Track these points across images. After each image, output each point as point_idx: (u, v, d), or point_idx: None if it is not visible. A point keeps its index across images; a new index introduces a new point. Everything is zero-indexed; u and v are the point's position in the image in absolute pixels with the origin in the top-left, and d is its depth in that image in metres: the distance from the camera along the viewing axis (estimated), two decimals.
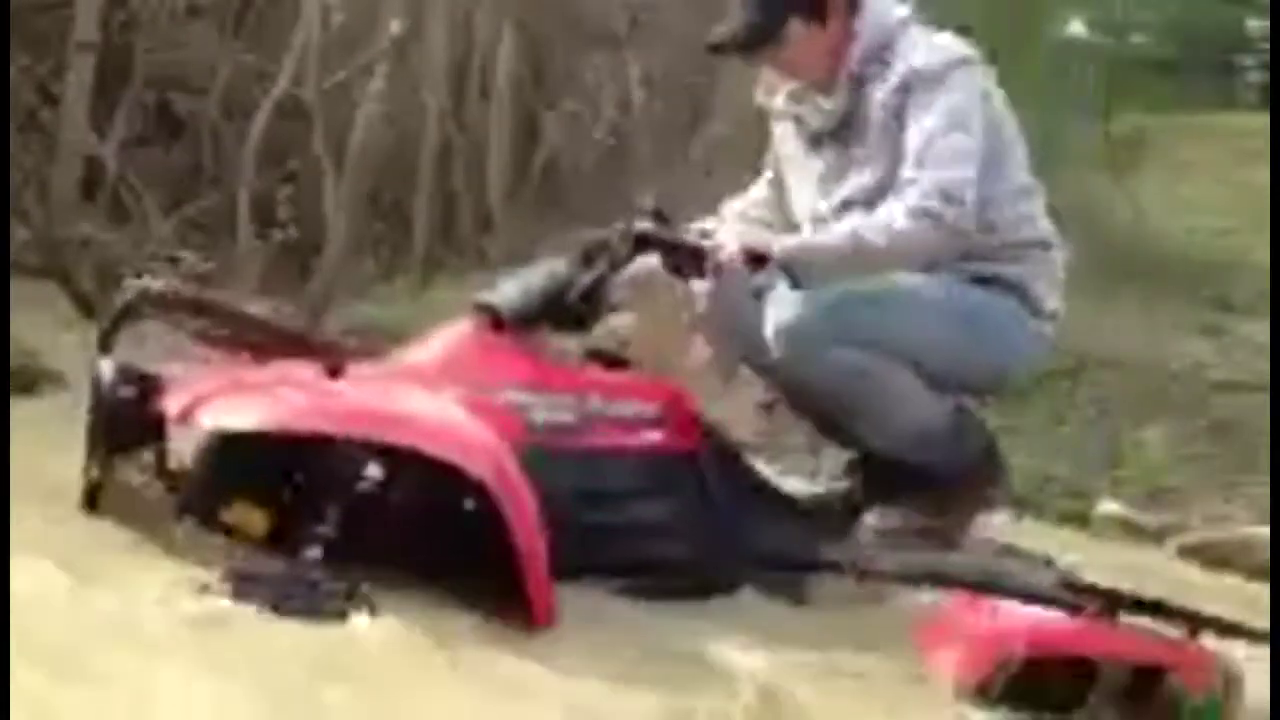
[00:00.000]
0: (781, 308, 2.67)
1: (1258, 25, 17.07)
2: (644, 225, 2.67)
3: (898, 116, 2.65)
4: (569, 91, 7.12)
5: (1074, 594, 2.66)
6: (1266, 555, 4.00)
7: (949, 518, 2.77)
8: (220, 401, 2.32)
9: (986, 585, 2.64)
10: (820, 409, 2.83)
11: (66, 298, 4.54)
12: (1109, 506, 4.55)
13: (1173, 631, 2.68)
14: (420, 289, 5.96)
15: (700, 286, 2.85)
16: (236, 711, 1.79)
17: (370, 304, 5.45)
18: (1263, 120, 10.97)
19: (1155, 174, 10.77)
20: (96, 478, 2.40)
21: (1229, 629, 2.70)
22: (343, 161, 5.68)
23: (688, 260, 2.69)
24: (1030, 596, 2.64)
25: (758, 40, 2.76)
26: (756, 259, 2.66)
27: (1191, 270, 9.26)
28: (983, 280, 2.75)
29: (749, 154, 6.99)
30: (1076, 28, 12.74)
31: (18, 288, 4.21)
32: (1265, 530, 4.17)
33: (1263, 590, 3.82)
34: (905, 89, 2.65)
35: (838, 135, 2.75)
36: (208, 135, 6.11)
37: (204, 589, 2.12)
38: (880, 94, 2.68)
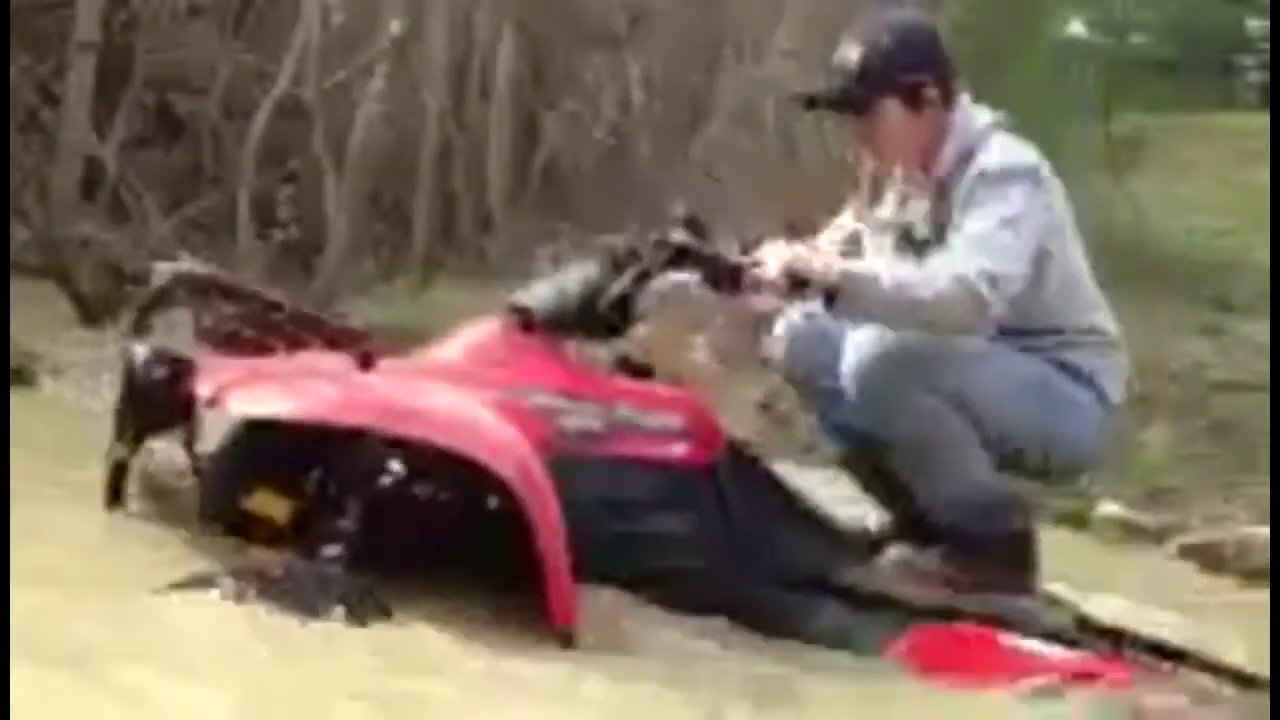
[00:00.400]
0: (863, 347, 2.66)
1: (1258, 25, 17.08)
2: (681, 237, 2.65)
3: (962, 209, 2.67)
4: (569, 91, 7.13)
5: (1085, 633, 2.67)
6: (1266, 556, 4.00)
7: (974, 579, 2.76)
8: (251, 389, 2.32)
9: (1001, 621, 2.64)
10: (878, 456, 2.79)
11: (66, 298, 4.54)
12: (1109, 507, 4.55)
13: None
14: (420, 289, 5.96)
15: (777, 329, 2.83)
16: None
17: (371, 304, 5.45)
18: (1263, 120, 10.97)
19: (1155, 174, 10.77)
20: (123, 457, 2.41)
21: (1240, 679, 2.69)
22: (343, 161, 5.68)
23: (725, 276, 2.66)
24: (1043, 634, 2.64)
25: (848, 106, 2.77)
26: (799, 283, 2.64)
27: (1191, 270, 9.25)
28: (1059, 365, 2.74)
29: (749, 154, 7.01)
30: (1076, 28, 12.75)
31: (18, 288, 4.21)
32: (1265, 530, 4.16)
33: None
34: (973, 186, 2.66)
35: (926, 242, 2.76)
36: (208, 135, 6.12)
37: (219, 589, 2.12)
38: (955, 195, 2.70)
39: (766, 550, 2.61)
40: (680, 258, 2.65)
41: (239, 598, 2.09)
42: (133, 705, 1.73)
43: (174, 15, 6.11)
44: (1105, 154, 10.06)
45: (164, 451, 2.50)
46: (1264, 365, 5.80)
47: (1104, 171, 10.01)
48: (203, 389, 2.34)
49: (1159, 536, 4.40)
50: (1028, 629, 2.63)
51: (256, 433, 2.34)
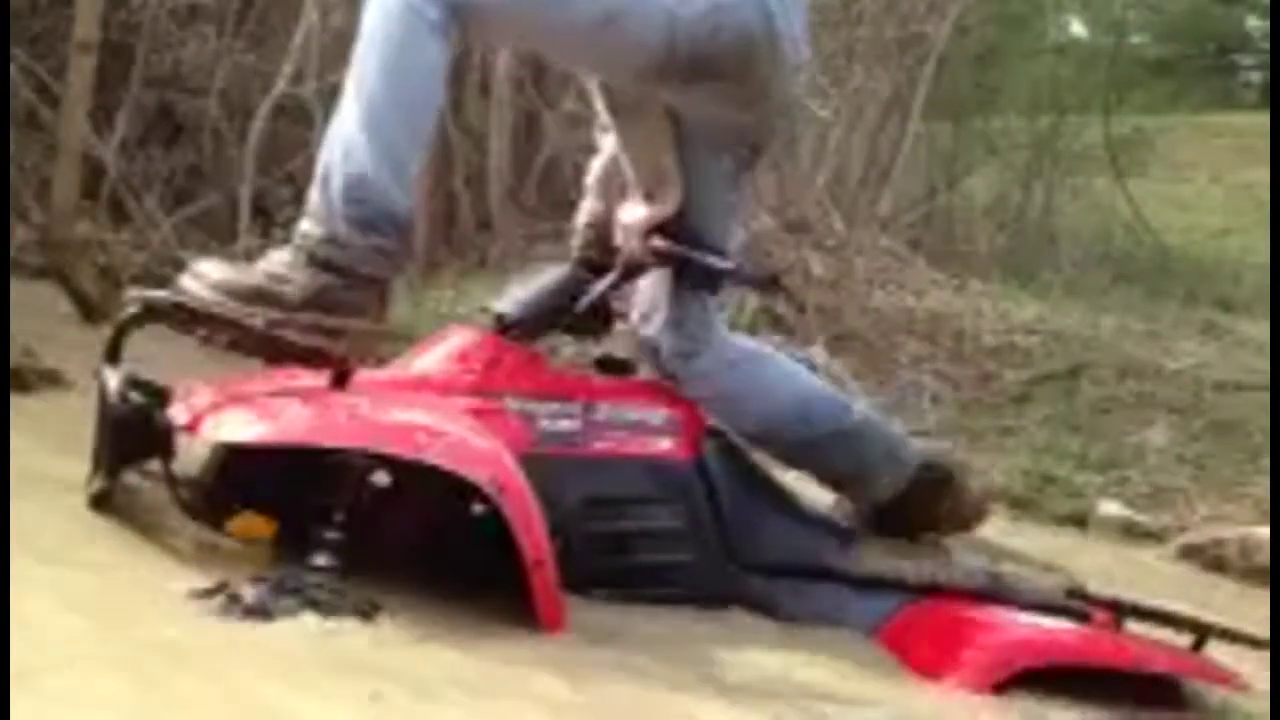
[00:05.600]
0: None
1: (1258, 25, 17.09)
2: (658, 240, 2.65)
3: None
4: (569, 91, 7.12)
5: (1080, 602, 2.68)
6: (1267, 555, 4.00)
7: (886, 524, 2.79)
8: (224, 413, 2.32)
9: (993, 594, 2.65)
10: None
11: (66, 298, 4.54)
12: (1109, 506, 4.55)
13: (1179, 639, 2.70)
14: (420, 290, 5.96)
15: None
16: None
17: None
18: (1262, 120, 10.99)
19: (1155, 174, 10.78)
20: (102, 489, 2.37)
21: (1234, 636, 2.71)
22: None
23: (703, 277, 2.67)
24: (1037, 605, 2.65)
25: None
26: (773, 280, 2.65)
27: (1191, 270, 9.27)
28: None
29: None
30: (1076, 28, 12.76)
31: (18, 288, 4.20)
32: (1266, 530, 4.16)
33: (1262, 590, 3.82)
34: None
35: None
36: (208, 135, 6.11)
37: (232, 599, 2.11)
38: None
39: (757, 539, 2.63)
40: (661, 259, 2.66)
41: (259, 605, 2.10)
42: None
43: (174, 15, 6.11)
44: (1105, 154, 10.07)
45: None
46: (1264, 365, 5.80)
47: (1104, 171, 10.02)
48: (179, 415, 2.33)
49: (1159, 536, 4.39)
50: (1023, 601, 2.64)
51: (236, 455, 2.32)
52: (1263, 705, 2.65)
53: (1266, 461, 4.84)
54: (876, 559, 2.68)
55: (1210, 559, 4.16)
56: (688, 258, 2.64)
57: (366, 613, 2.14)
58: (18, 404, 3.03)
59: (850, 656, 2.51)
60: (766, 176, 6.93)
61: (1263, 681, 2.69)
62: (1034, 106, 10.13)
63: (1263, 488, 4.61)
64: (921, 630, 2.58)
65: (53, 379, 3.42)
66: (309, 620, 2.09)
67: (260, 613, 2.08)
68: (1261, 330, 6.83)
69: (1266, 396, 5.35)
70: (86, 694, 1.74)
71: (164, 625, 2.02)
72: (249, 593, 2.12)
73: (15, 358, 3.35)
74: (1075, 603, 2.67)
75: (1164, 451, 5.09)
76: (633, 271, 2.69)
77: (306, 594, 2.13)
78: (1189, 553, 4.23)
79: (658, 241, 2.64)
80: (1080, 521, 4.45)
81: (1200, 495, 4.71)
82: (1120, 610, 2.68)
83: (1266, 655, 2.72)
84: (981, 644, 2.54)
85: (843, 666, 2.45)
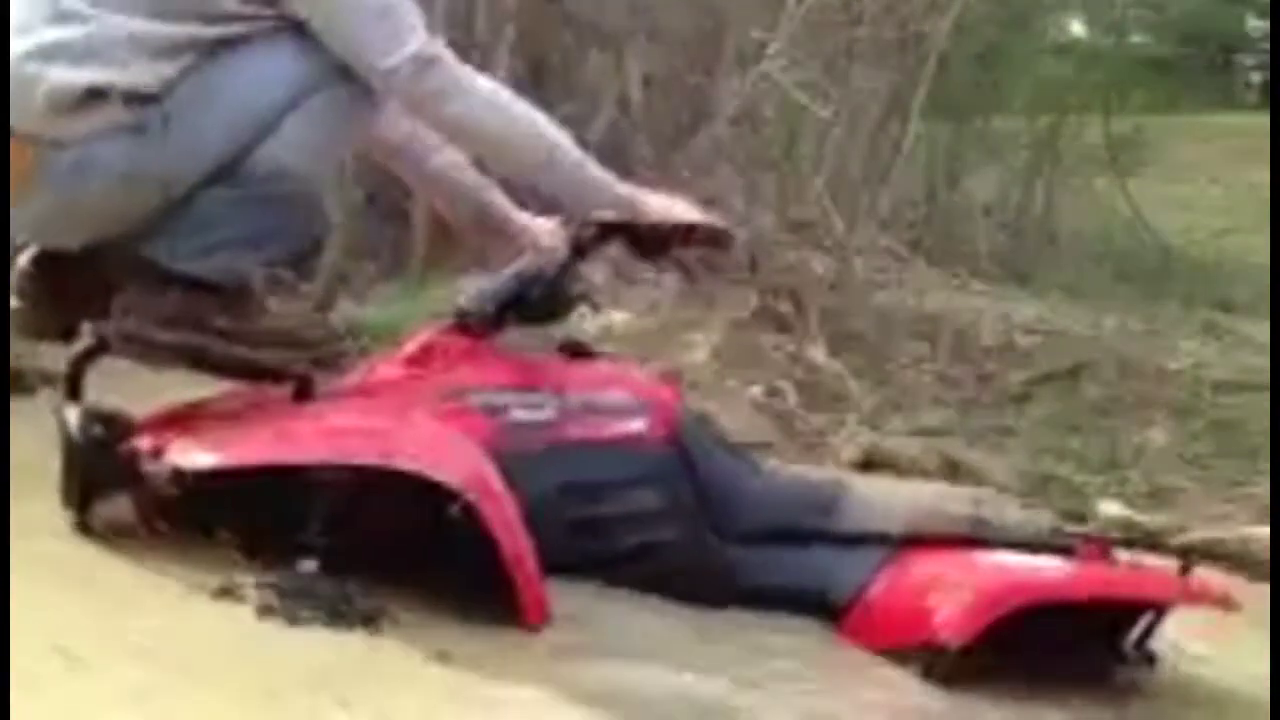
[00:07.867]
0: None
1: (1258, 25, 17.10)
2: (604, 213, 2.66)
3: None
4: (569, 92, 7.12)
5: (1066, 537, 2.70)
6: (1266, 555, 4.00)
7: None
8: (189, 438, 2.29)
9: (978, 537, 2.66)
10: None
11: None
12: (1109, 507, 4.55)
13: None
14: (420, 289, 5.95)
15: None
16: None
17: (371, 304, 5.45)
18: (1262, 120, 11.00)
19: (1155, 174, 10.79)
20: (79, 521, 2.33)
21: (1223, 559, 2.75)
22: (342, 161, 5.66)
23: (652, 242, 2.68)
24: (1023, 544, 2.66)
25: None
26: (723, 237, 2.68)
27: (1191, 270, 9.28)
28: None
29: (749, 154, 7.00)
30: (1076, 28, 12.77)
31: None
32: (1266, 530, 4.16)
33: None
34: None
35: None
36: None
37: (237, 602, 2.11)
38: None
39: (737, 511, 2.64)
40: (608, 233, 2.67)
41: (266, 609, 2.10)
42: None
43: None
44: (1105, 154, 10.08)
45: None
46: (1264, 365, 5.80)
47: (1104, 171, 10.03)
48: (144, 443, 2.30)
49: (1159, 536, 4.39)
50: (1009, 541, 2.66)
51: (206, 476, 2.31)
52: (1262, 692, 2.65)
53: (1266, 462, 4.84)
54: (857, 516, 2.69)
55: (1211, 559, 4.16)
56: (630, 228, 2.65)
57: (370, 616, 2.14)
58: (18, 404, 3.03)
59: (822, 642, 2.54)
60: (766, 176, 6.93)
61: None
62: (1034, 106, 10.14)
63: (1263, 488, 4.61)
64: (910, 582, 2.59)
65: (50, 379, 3.42)
66: (312, 623, 2.09)
67: (265, 615, 2.08)
68: (1261, 330, 6.83)
69: (1266, 396, 5.34)
70: (88, 696, 1.74)
71: (166, 626, 2.02)
72: (254, 595, 2.12)
73: (15, 358, 3.35)
74: (1061, 538, 2.69)
75: (1164, 451, 5.09)
76: (582, 251, 2.69)
77: (309, 596, 2.13)
78: (1189, 553, 4.22)
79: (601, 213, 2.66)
80: (1080, 521, 4.45)
81: (1200, 495, 4.71)
82: (1106, 541, 2.71)
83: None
84: (971, 589, 2.54)
85: (817, 652, 2.47)
